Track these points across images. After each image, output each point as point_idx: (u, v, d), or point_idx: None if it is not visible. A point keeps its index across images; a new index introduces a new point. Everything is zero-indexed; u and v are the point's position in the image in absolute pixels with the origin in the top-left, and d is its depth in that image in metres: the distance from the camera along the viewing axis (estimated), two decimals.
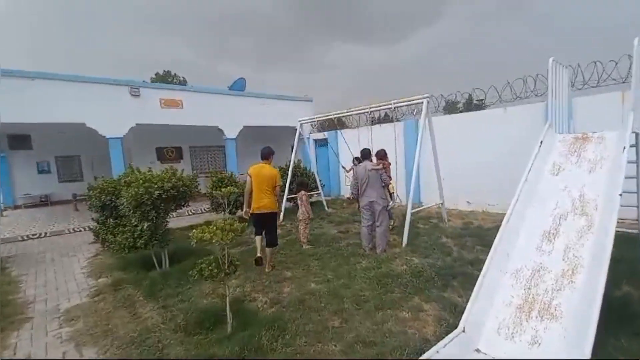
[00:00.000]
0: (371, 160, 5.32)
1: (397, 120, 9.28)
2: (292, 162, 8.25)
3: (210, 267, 2.88)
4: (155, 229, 4.47)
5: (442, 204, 6.61)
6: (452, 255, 4.72)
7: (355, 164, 8.02)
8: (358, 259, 4.74)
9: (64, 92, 7.85)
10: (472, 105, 11.10)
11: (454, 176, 7.51)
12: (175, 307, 3.49)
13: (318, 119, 7.87)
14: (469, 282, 3.74)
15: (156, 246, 4.54)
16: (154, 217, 4.33)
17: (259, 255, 4.40)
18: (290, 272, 4.38)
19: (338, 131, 11.09)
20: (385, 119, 11.55)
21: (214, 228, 2.84)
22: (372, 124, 10.77)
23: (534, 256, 3.00)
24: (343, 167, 8.46)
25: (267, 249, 4.54)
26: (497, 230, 5.61)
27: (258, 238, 4.62)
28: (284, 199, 8.03)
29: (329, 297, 3.52)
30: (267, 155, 4.79)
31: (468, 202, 7.94)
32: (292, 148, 13.47)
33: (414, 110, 8.76)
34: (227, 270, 2.92)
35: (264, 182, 4.50)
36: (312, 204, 9.53)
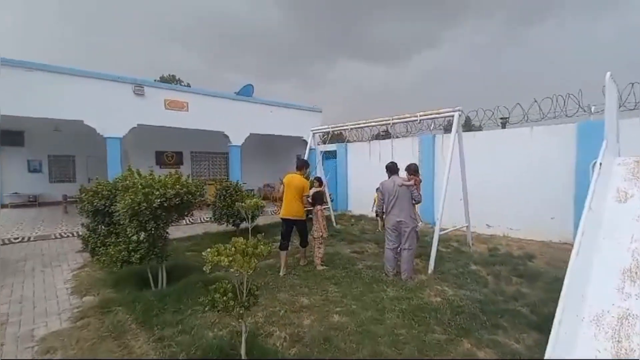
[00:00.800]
0: (398, 175, 4.77)
1: (396, 136, 8.88)
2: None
3: (225, 298, 2.33)
4: (153, 241, 3.89)
5: (467, 226, 6.10)
6: (489, 286, 4.18)
7: (315, 186, 6.87)
8: (382, 285, 4.19)
9: (62, 87, 7.35)
10: (471, 126, 10.74)
11: (473, 197, 7.02)
12: (174, 339, 2.90)
13: (334, 129, 7.42)
14: (521, 322, 3.22)
15: (153, 261, 3.95)
16: (152, 228, 3.76)
17: (282, 274, 4.62)
18: (307, 299, 3.81)
19: (347, 144, 10.70)
20: (387, 135, 11.14)
21: (232, 250, 2.30)
22: (377, 139, 10.47)
23: (616, 300, 2.49)
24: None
25: (301, 248, 5.17)
26: (529, 259, 4.99)
27: (283, 254, 4.79)
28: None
29: (359, 335, 2.96)
30: (300, 167, 5.17)
31: (487, 225, 7.45)
32: (297, 157, 13.14)
33: (440, 123, 8.34)
34: (246, 303, 2.36)
35: (294, 190, 4.87)
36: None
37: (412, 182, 4.50)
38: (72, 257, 5.79)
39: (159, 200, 3.60)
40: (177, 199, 3.78)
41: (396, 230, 4.45)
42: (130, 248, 3.76)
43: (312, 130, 7.78)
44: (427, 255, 5.25)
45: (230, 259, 2.21)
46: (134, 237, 3.73)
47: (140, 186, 3.65)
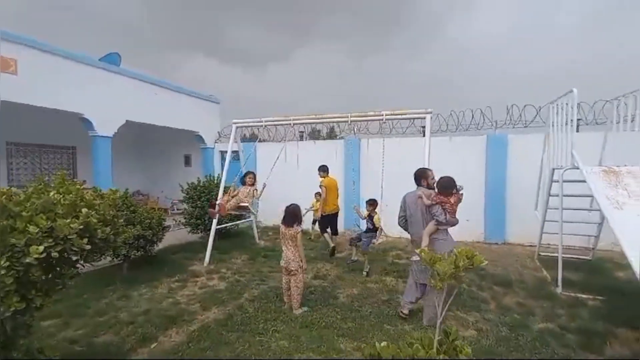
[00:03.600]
0: (427, 186, 3.45)
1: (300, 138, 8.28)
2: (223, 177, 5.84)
3: None
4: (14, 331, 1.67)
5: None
6: (492, 305, 3.89)
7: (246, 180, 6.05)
8: (401, 325, 3.27)
9: None
10: (334, 136, 10.88)
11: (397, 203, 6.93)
12: None
13: (268, 123, 5.88)
14: None
15: None
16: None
17: (333, 245, 5.70)
18: None
19: (257, 144, 9.16)
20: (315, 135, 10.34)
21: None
22: (302, 139, 9.48)
23: None
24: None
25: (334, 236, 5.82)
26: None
27: (327, 235, 5.90)
28: (213, 233, 5.52)
29: None
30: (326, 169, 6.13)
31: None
32: (186, 158, 10.46)
33: (360, 127, 7.97)
34: None
35: (336, 190, 6.12)
36: (237, 235, 7.19)
37: (434, 198, 3.16)
38: None
39: (36, 254, 1.51)
40: (88, 240, 1.73)
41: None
42: None
43: (235, 123, 6.02)
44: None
45: None
46: None
47: None
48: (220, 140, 9.81)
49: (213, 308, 3.72)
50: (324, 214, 5.98)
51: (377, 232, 5.03)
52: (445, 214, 3.13)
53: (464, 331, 3.21)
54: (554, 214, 5.34)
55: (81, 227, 1.66)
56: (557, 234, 5.30)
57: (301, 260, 3.59)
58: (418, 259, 3.10)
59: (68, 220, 1.62)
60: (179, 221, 6.27)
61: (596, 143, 5.05)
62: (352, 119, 5.26)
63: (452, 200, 3.11)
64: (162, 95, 8.03)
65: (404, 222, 3.54)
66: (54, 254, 1.58)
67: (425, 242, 3.09)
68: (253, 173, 5.95)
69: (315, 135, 9.64)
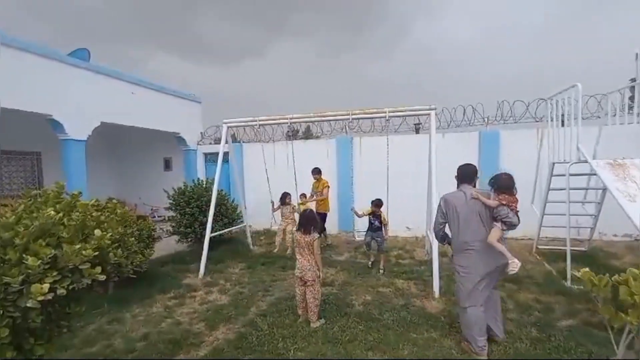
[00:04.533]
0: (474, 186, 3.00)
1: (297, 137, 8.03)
2: (215, 183, 5.42)
3: None
4: None
5: (427, 232, 5.77)
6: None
7: (285, 201, 6.14)
8: (428, 333, 3.09)
9: None
10: (310, 134, 10.81)
11: (395, 200, 6.74)
12: None
13: (262, 122, 5.49)
14: None
15: None
16: None
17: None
18: None
19: (243, 144, 8.74)
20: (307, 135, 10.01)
21: None
22: (294, 138, 9.14)
23: None
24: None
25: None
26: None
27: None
28: (207, 242, 5.11)
29: None
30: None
31: (407, 227, 7.54)
32: (167, 161, 9.81)
33: (342, 126, 7.80)
34: None
35: None
36: (229, 241, 6.75)
37: (501, 200, 2.69)
38: None
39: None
40: (94, 276, 1.38)
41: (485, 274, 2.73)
42: None
43: (226, 123, 5.60)
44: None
45: None
46: None
47: None
48: (203, 142, 9.28)
49: (220, 327, 3.37)
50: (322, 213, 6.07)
51: (385, 227, 5.17)
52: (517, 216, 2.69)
53: (494, 334, 3.09)
54: (551, 207, 5.47)
55: (96, 252, 1.30)
56: (553, 227, 5.45)
57: (318, 269, 3.32)
58: (516, 269, 2.54)
59: (78, 246, 1.27)
60: (167, 230, 5.78)
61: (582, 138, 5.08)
62: (353, 116, 5.04)
63: (515, 201, 2.71)
64: (140, 94, 7.42)
65: (443, 231, 2.95)
66: (61, 292, 1.22)
67: (502, 248, 2.61)
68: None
69: (293, 135, 9.31)
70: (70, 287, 1.27)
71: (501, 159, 7.06)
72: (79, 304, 1.47)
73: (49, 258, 1.22)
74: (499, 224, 2.67)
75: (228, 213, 6.23)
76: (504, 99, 7.23)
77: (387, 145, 5.26)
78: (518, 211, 2.72)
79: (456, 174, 3.02)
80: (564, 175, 4.69)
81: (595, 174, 4.79)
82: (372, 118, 5.46)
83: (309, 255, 3.30)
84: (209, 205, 5.82)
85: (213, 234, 5.34)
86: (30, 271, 1.15)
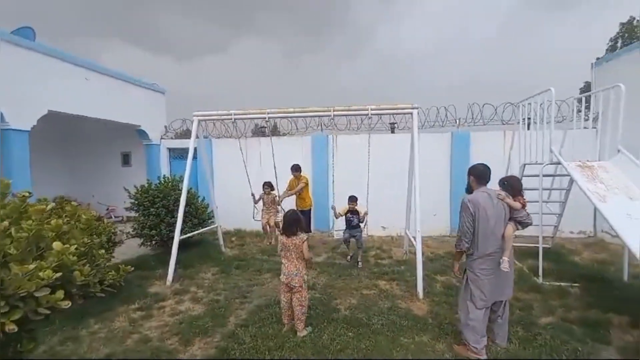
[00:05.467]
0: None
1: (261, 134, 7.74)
2: (186, 180, 4.97)
3: None
4: None
5: (406, 231, 5.76)
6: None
7: (265, 192, 6.01)
8: (419, 337, 3.02)
9: None
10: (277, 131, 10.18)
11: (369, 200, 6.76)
12: None
13: (238, 117, 5.11)
14: None
15: None
16: None
17: None
18: None
19: (212, 140, 8.23)
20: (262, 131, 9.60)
21: None
22: (263, 135, 8.74)
23: None
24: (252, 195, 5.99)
25: None
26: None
27: None
28: (176, 245, 4.67)
29: None
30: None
31: (383, 227, 7.55)
32: (125, 156, 8.97)
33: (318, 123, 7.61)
34: None
35: None
36: (198, 244, 6.27)
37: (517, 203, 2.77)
38: None
39: None
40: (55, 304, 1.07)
41: (493, 273, 2.70)
42: None
43: (197, 116, 5.16)
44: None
45: None
46: None
47: None
48: (167, 136, 8.62)
49: (197, 341, 3.04)
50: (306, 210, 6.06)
51: (364, 223, 5.31)
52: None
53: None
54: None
55: (58, 273, 0.99)
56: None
57: (306, 274, 3.11)
58: (508, 267, 2.62)
59: (32, 266, 0.95)
60: (127, 232, 5.21)
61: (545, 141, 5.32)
62: (335, 113, 4.86)
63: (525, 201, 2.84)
64: (95, 81, 6.66)
65: (471, 235, 2.71)
66: (11, 328, 0.90)
67: (510, 245, 2.67)
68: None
69: (258, 132, 8.91)
70: (22, 322, 0.95)
71: (471, 158, 7.28)
72: (33, 338, 1.13)
73: None
74: (512, 224, 2.73)
75: (198, 213, 5.79)
76: (451, 104, 7.47)
77: (369, 144, 5.16)
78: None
79: (471, 174, 2.90)
80: (533, 175, 4.93)
81: (562, 175, 5.12)
82: (354, 115, 5.33)
83: (295, 260, 3.07)
84: (177, 205, 5.37)
85: (183, 236, 4.91)
86: None
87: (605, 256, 5.56)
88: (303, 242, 3.05)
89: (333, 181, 5.61)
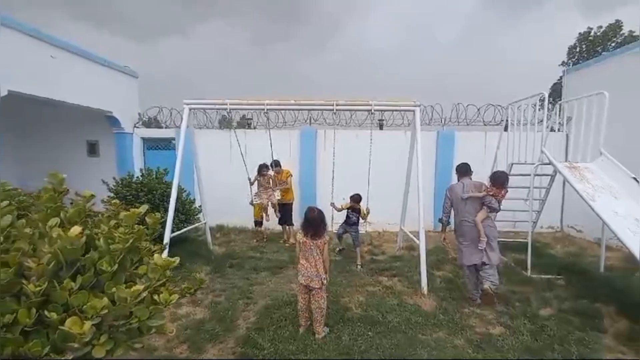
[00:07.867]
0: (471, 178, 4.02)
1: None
2: (176, 175, 4.61)
3: None
4: None
5: (400, 227, 5.83)
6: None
7: (262, 173, 6.03)
8: (436, 333, 3.06)
9: None
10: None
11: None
12: None
13: (234, 107, 4.79)
14: None
15: None
16: None
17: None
18: None
19: (196, 130, 7.73)
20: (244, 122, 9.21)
21: None
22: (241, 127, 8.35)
23: None
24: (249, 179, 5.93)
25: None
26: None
27: None
28: (167, 243, 4.31)
29: None
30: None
31: (368, 222, 7.60)
32: (91, 145, 8.14)
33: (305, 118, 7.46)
34: None
35: None
36: (184, 241, 5.86)
37: (486, 192, 3.72)
38: None
39: None
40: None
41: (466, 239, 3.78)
42: None
43: (188, 104, 4.79)
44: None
45: None
46: None
47: None
48: (142, 124, 7.97)
49: (209, 348, 2.83)
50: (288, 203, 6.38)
51: (364, 221, 5.36)
52: (499, 203, 3.74)
53: (492, 329, 3.21)
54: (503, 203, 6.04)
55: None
56: (502, 221, 6.03)
57: (325, 273, 3.01)
58: (483, 246, 3.59)
59: (140, 287, 0.71)
60: None
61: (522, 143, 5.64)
62: (337, 107, 4.75)
63: (502, 192, 3.69)
64: (62, 59, 5.94)
65: (448, 215, 4.03)
66: None
67: (480, 227, 3.60)
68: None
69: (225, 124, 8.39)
70: None
71: (455, 156, 7.56)
72: None
73: None
74: (484, 208, 3.67)
75: (185, 209, 5.42)
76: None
77: (371, 139, 5.16)
78: (501, 200, 3.75)
79: (456, 170, 4.16)
80: (519, 174, 5.23)
81: (543, 175, 5.46)
82: (356, 110, 5.26)
83: (316, 260, 2.95)
84: (163, 200, 5.00)
85: (174, 234, 4.56)
86: None
87: (575, 249, 6.06)
88: (325, 244, 2.94)
89: (315, 176, 5.60)
